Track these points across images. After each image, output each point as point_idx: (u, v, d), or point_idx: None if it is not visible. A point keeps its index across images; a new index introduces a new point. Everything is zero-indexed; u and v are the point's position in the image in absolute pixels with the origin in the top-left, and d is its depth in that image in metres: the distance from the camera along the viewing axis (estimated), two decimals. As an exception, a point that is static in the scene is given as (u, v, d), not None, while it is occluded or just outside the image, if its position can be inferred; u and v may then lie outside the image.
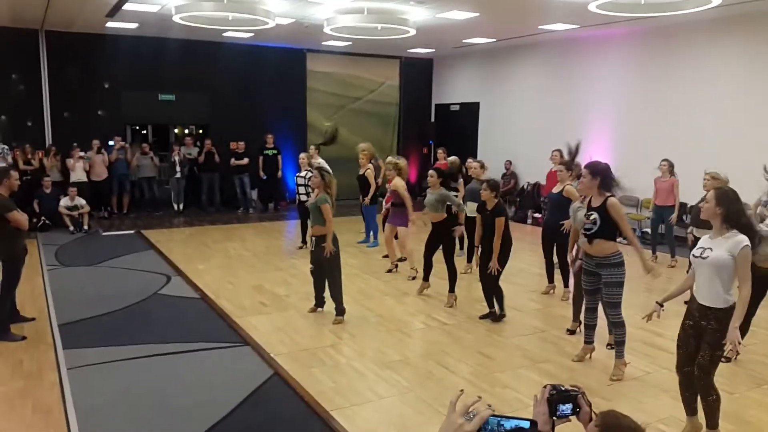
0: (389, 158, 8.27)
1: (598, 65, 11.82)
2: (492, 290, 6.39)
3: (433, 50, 14.80)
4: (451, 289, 6.97)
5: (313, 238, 6.28)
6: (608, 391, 4.81)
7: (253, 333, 5.97)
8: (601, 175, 4.83)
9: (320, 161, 10.13)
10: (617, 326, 4.98)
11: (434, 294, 7.32)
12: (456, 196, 7.47)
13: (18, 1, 9.50)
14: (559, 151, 9.19)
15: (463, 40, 12.99)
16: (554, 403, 1.81)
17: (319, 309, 6.59)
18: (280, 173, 13.63)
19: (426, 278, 7.27)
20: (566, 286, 7.19)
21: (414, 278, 7.81)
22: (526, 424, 1.44)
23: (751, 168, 7.80)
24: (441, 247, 7.00)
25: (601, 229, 4.81)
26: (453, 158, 9.10)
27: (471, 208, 7.63)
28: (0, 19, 10.84)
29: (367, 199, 9.39)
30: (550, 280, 7.44)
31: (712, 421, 3.84)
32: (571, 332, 6.03)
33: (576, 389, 1.86)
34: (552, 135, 12.53)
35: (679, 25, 10.19)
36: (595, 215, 4.83)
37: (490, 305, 6.46)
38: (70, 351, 5.44)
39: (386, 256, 8.91)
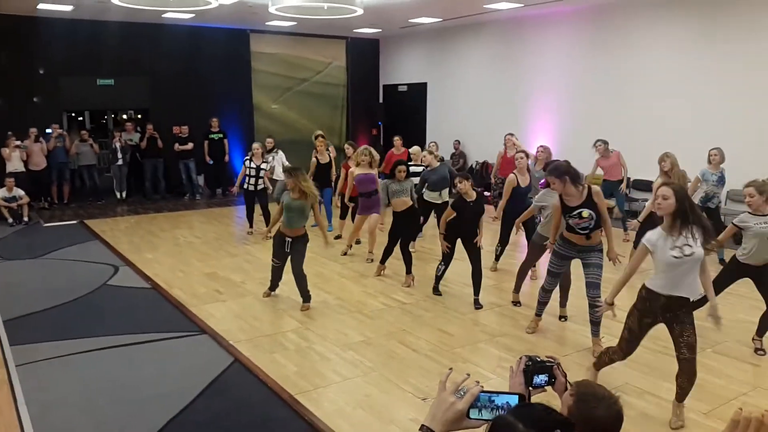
0: (363, 147, 8.16)
1: (544, 44, 12.01)
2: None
3: (380, 30, 14.71)
4: (408, 271, 7.06)
5: (288, 240, 6.09)
6: (564, 361, 4.93)
7: (209, 321, 5.86)
8: (570, 174, 4.82)
9: (277, 151, 10.05)
10: (596, 307, 4.95)
11: (391, 274, 7.37)
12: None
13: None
14: (512, 135, 9.31)
15: (410, 20, 12.96)
16: (530, 374, 1.85)
17: (273, 293, 6.58)
18: (227, 158, 13.35)
19: (384, 261, 7.35)
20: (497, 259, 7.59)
21: (372, 261, 7.84)
22: (515, 399, 1.47)
23: (700, 143, 8.17)
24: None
25: (597, 220, 4.85)
26: (416, 148, 9.18)
27: (429, 195, 7.95)
28: None
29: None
30: (498, 259, 7.62)
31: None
32: (517, 303, 6.30)
33: (552, 360, 1.91)
34: (499, 114, 12.75)
35: (625, 1, 10.43)
36: (589, 211, 4.81)
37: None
38: (18, 347, 5.22)
39: (339, 237, 8.93)
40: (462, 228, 6.17)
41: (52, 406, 4.27)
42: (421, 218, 8.00)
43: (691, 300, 3.83)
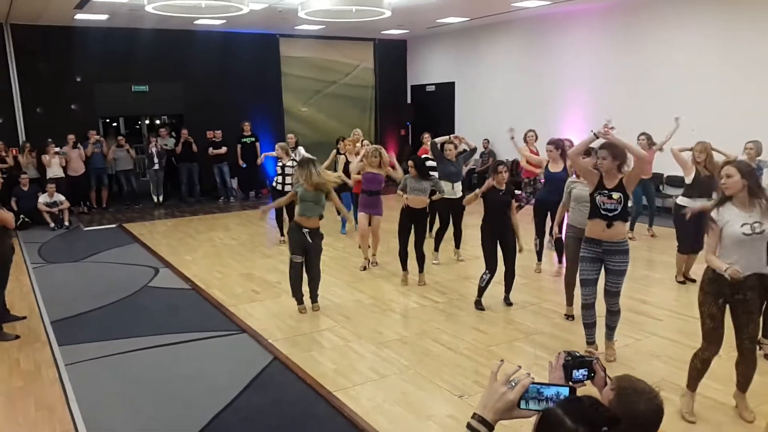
0: (374, 147, 8.05)
1: (572, 41, 11.95)
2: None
3: (407, 31, 14.78)
4: (421, 270, 7.09)
5: (305, 230, 6.02)
6: (601, 358, 4.94)
7: (248, 320, 6.01)
8: (621, 158, 4.60)
9: (299, 149, 10.12)
10: (615, 314, 4.89)
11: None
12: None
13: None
14: (533, 131, 9.26)
15: (437, 20, 13.00)
16: (569, 369, 1.88)
17: (301, 306, 6.28)
18: (259, 161, 13.53)
19: (405, 267, 7.13)
20: (561, 262, 7.18)
21: (365, 268, 7.70)
22: (566, 391, 1.51)
23: (735, 136, 8.05)
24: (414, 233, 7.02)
25: (624, 209, 4.64)
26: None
27: (447, 189, 7.60)
28: (-39, 13, 10.56)
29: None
30: (540, 258, 7.54)
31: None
32: (569, 317, 5.89)
33: (591, 355, 1.94)
34: (528, 112, 12.70)
35: (651, -2, 10.35)
36: (620, 194, 4.59)
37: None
38: (66, 347, 5.42)
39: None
40: (493, 220, 6.00)
41: (101, 404, 4.44)
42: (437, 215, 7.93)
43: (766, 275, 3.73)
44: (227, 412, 4.27)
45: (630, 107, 10.87)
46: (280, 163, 9.33)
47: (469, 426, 1.52)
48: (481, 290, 6.21)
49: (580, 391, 1.97)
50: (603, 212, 4.66)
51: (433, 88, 15.86)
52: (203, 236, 9.97)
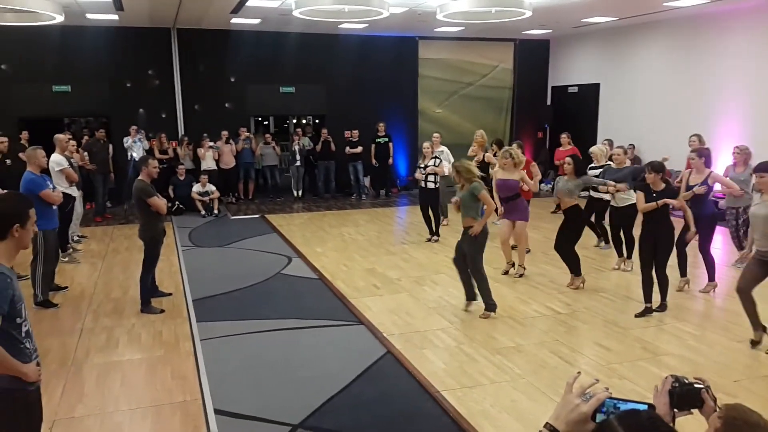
0: (505, 148, 7.88)
1: (729, 42, 10.90)
2: (663, 282, 6.13)
3: (550, 31, 14.34)
4: (577, 273, 6.89)
5: (465, 229, 6.04)
6: (735, 387, 4.52)
7: (366, 313, 6.18)
8: None
9: (442, 149, 10.00)
10: None
11: (547, 282, 7.20)
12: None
13: (154, 3, 10.33)
14: (698, 136, 8.50)
15: (583, 20, 12.48)
16: (675, 396, 1.76)
17: (473, 303, 6.25)
18: (391, 160, 13.86)
19: (578, 272, 6.95)
20: (711, 279, 6.74)
21: (522, 275, 7.43)
22: (643, 407, 1.43)
23: None
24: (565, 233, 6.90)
25: None
26: (597, 147, 8.62)
27: (621, 198, 7.28)
28: (138, 20, 11.85)
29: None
30: (683, 273, 6.92)
31: None
32: (756, 342, 5.31)
33: (700, 382, 1.79)
34: (679, 117, 11.81)
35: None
36: None
37: (648, 299, 6.13)
38: (202, 324, 5.93)
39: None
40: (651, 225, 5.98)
41: (227, 378, 4.80)
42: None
43: None
44: (338, 398, 4.43)
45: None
46: (422, 164, 9.40)
47: None
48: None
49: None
50: None
51: (575, 89, 15.24)
52: (334, 230, 10.39)
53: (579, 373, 1.63)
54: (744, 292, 5.18)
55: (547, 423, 1.48)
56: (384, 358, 5.14)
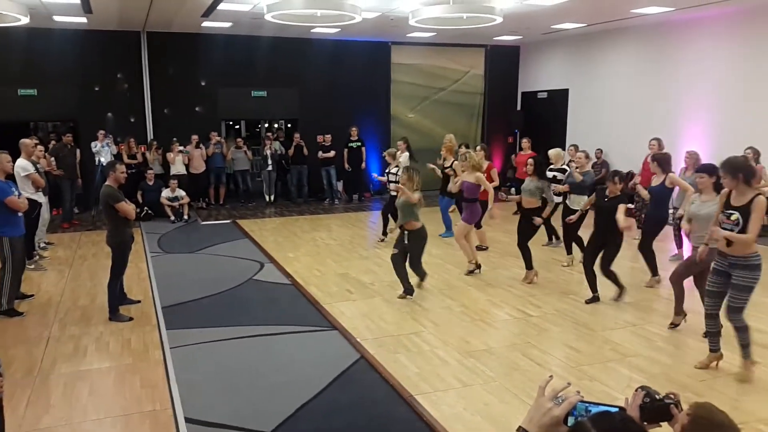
0: (463, 150, 8.29)
1: (694, 49, 11.18)
2: (608, 273, 6.53)
3: (521, 37, 14.51)
4: (530, 267, 7.31)
5: (406, 232, 6.65)
6: (701, 387, 4.62)
7: (340, 318, 6.16)
8: (743, 171, 4.49)
9: (405, 155, 10.21)
10: (740, 330, 4.64)
11: (519, 286, 7.28)
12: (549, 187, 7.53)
13: (124, 5, 10.17)
14: (657, 140, 8.80)
15: (552, 26, 12.66)
16: (647, 411, 1.77)
17: (409, 297, 6.75)
18: (363, 165, 13.86)
19: (530, 266, 7.41)
20: (655, 275, 7.15)
21: (472, 272, 7.73)
22: (615, 410, 1.45)
23: None
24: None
25: (743, 230, 4.44)
26: (555, 151, 9.02)
27: (577, 201, 7.67)
28: (108, 23, 11.66)
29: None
30: (654, 272, 7.16)
31: None
32: (675, 326, 5.86)
33: (671, 397, 1.80)
34: (646, 122, 12.04)
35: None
36: (737, 215, 4.47)
37: (594, 289, 6.62)
38: (172, 331, 5.84)
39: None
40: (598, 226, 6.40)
41: (197, 386, 4.73)
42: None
43: None
44: (312, 404, 4.41)
45: (756, 119, 9.99)
46: (388, 169, 9.54)
47: None
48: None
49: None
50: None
51: (545, 95, 15.44)
52: (307, 235, 10.34)
53: (551, 376, 1.64)
54: (677, 283, 5.71)
55: (520, 427, 1.50)
56: (358, 363, 5.13)
